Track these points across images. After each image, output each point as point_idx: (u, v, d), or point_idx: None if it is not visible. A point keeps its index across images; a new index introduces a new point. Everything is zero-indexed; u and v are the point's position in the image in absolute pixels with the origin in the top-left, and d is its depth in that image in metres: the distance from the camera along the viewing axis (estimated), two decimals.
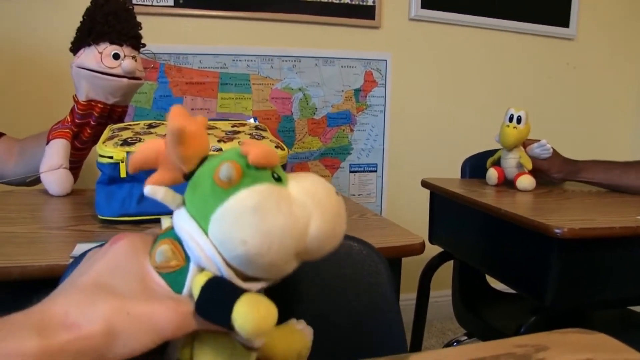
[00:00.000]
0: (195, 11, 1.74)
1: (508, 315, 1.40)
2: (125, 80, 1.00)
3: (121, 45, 1.01)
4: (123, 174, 0.80)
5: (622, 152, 2.43)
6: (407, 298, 1.47)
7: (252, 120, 1.04)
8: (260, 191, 0.34)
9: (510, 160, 1.30)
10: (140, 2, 1.67)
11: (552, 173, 1.31)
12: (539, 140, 1.28)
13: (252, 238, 0.32)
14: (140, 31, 1.06)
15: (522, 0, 2.14)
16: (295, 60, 1.88)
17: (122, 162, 0.80)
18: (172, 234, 0.37)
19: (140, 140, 0.82)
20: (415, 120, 2.08)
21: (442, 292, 1.74)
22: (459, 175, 1.54)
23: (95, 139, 1.04)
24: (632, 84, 2.44)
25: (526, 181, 1.27)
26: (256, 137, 0.90)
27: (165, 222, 0.39)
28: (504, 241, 1.14)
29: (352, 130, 1.99)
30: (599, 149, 2.39)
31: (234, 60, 1.81)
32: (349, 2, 1.90)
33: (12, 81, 1.62)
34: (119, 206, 0.82)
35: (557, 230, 0.92)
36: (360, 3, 1.91)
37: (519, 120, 1.26)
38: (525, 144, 1.30)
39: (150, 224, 0.83)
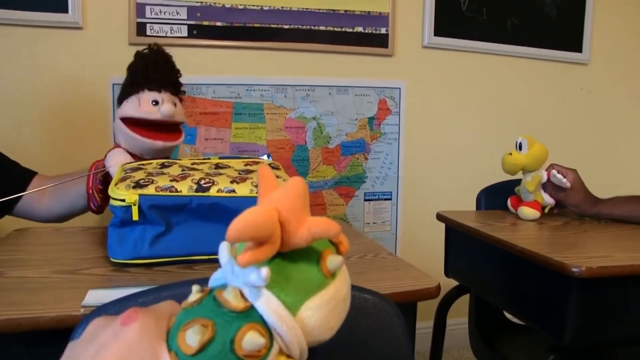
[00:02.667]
0: (209, 42, 1.76)
1: (525, 349, 1.38)
2: (159, 143, 1.03)
3: (159, 92, 1.03)
4: (135, 217, 0.80)
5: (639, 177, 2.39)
6: (424, 326, 1.45)
7: (265, 157, 1.03)
8: (348, 281, 0.36)
9: (524, 184, 1.32)
10: (154, 34, 1.69)
11: (568, 205, 1.29)
12: (564, 167, 1.28)
13: (337, 325, 0.35)
14: (179, 78, 1.08)
15: (535, 26, 2.14)
16: (309, 89, 1.88)
17: (135, 205, 0.79)
18: (204, 313, 0.33)
19: (152, 182, 0.82)
20: (430, 147, 2.07)
21: (459, 320, 1.71)
22: (474, 204, 1.52)
23: None
24: None
25: (527, 212, 1.29)
26: None
27: (196, 292, 0.35)
28: (520, 277, 1.12)
29: (366, 159, 1.98)
30: (615, 174, 2.35)
31: (247, 90, 1.82)
32: (362, 30, 1.90)
33: (47, 119, 1.65)
34: (131, 249, 0.82)
35: (574, 270, 0.90)
36: (374, 32, 1.92)
37: (521, 147, 1.27)
38: (554, 167, 1.28)
39: (162, 267, 0.82)
